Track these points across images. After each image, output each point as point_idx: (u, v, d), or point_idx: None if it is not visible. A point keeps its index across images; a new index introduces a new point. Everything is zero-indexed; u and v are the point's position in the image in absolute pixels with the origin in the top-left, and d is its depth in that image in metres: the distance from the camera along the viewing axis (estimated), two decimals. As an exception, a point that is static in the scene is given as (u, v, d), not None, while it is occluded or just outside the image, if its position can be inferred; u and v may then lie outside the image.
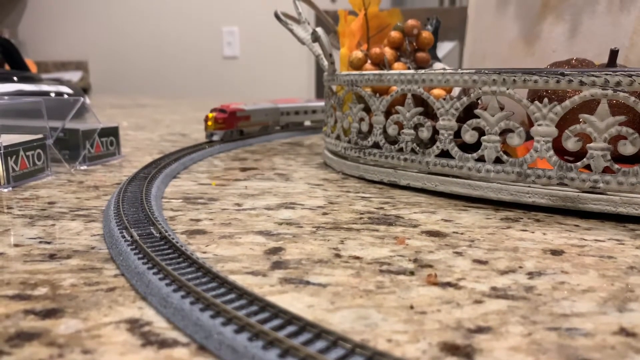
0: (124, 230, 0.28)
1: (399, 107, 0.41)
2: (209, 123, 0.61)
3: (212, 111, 0.62)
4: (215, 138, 0.62)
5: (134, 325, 0.20)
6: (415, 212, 0.35)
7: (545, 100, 0.33)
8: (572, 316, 0.20)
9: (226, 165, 0.52)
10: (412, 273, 0.25)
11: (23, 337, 0.19)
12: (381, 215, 0.34)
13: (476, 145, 0.37)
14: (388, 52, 0.47)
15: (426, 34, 0.48)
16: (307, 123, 0.80)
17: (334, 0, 2.49)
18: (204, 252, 0.27)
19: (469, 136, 0.37)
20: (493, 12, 0.54)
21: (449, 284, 0.23)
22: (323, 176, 0.47)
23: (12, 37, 2.61)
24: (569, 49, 0.47)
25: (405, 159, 0.41)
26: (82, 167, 0.50)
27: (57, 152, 0.49)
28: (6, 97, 0.49)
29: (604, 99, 0.32)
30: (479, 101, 0.42)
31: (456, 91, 0.44)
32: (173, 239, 0.26)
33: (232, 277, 0.24)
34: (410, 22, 0.47)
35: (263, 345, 0.17)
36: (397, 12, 0.52)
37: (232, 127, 0.63)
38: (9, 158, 0.41)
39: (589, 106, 0.34)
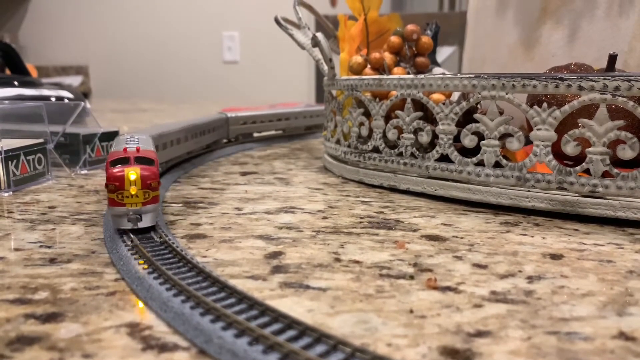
0: (124, 235, 0.28)
1: (398, 112, 0.41)
2: (132, 191, 0.28)
3: (115, 162, 0.29)
4: (144, 224, 0.29)
5: (135, 330, 0.20)
6: (415, 216, 0.35)
7: (545, 104, 0.34)
8: (571, 320, 0.21)
9: (226, 170, 0.52)
10: (411, 277, 0.25)
11: (23, 341, 0.19)
12: (381, 220, 0.34)
13: (476, 150, 0.37)
14: (388, 57, 0.47)
15: (426, 39, 0.48)
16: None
17: (334, 5, 2.50)
18: (204, 257, 0.27)
19: (468, 140, 0.37)
20: (492, 17, 0.54)
21: (448, 288, 0.24)
22: (323, 180, 0.47)
23: (13, 41, 2.62)
24: (568, 53, 0.47)
25: (405, 163, 0.41)
26: (82, 172, 0.50)
27: (57, 156, 0.49)
28: (7, 102, 0.49)
29: (603, 104, 0.32)
30: (479, 106, 0.42)
31: (455, 96, 0.44)
32: (173, 243, 0.26)
33: (232, 282, 0.24)
34: (410, 27, 0.47)
35: (263, 350, 0.17)
36: (397, 17, 0.52)
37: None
38: (9, 162, 0.41)
39: (588, 111, 0.34)
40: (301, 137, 0.77)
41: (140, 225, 0.28)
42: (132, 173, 0.28)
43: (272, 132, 0.74)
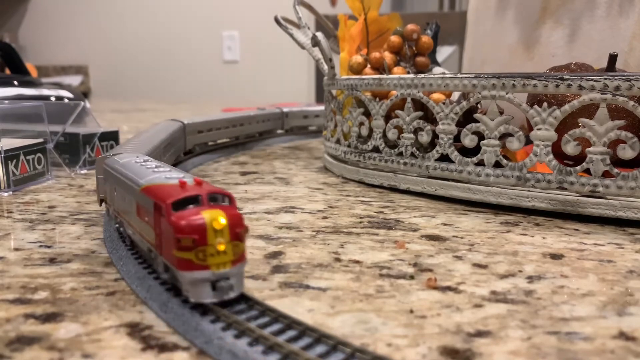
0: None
1: (398, 112, 0.41)
2: (219, 246, 0.19)
3: (180, 204, 0.20)
4: (233, 293, 0.20)
5: (134, 330, 0.20)
6: (415, 216, 0.35)
7: (545, 104, 0.34)
8: (571, 320, 0.21)
9: (226, 169, 0.52)
10: (412, 277, 0.25)
11: (23, 341, 0.19)
12: (381, 219, 0.34)
13: (476, 150, 0.37)
14: (388, 56, 0.47)
15: (426, 39, 0.48)
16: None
17: (334, 5, 2.49)
18: (204, 256, 0.27)
19: (468, 140, 0.37)
20: (492, 17, 0.54)
21: (448, 288, 0.23)
22: (323, 180, 0.47)
23: (13, 41, 2.62)
24: (568, 53, 0.47)
25: (405, 163, 0.41)
26: (82, 171, 0.50)
27: (57, 156, 0.49)
28: (7, 102, 0.49)
29: (603, 103, 0.32)
30: (479, 105, 0.42)
31: (456, 95, 0.44)
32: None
33: (232, 281, 0.24)
34: (410, 26, 0.47)
35: (263, 350, 0.17)
36: (397, 16, 0.52)
37: None
38: (9, 162, 0.41)
39: (588, 110, 0.34)
40: (301, 137, 0.77)
41: (232, 295, 0.20)
42: (218, 219, 0.19)
43: (226, 140, 0.64)
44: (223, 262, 0.19)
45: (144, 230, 0.22)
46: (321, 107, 0.79)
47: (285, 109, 0.75)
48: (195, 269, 0.19)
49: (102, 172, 0.30)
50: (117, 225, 0.29)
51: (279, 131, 0.75)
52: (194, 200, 0.20)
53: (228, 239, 0.19)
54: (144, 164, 0.26)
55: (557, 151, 0.34)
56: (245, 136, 0.68)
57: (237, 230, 0.20)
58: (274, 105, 0.80)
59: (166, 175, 0.23)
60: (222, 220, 0.19)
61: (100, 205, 0.32)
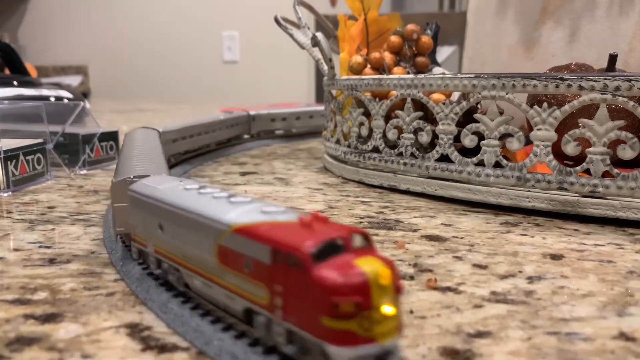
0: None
1: (398, 112, 0.41)
2: (384, 310, 0.15)
3: (321, 254, 0.15)
4: None
5: (134, 330, 0.20)
6: (415, 217, 0.35)
7: (545, 104, 0.34)
8: (571, 320, 0.20)
9: (226, 170, 0.52)
10: (411, 277, 0.25)
11: (23, 342, 0.19)
12: (381, 220, 0.34)
13: (476, 150, 0.37)
14: (388, 56, 0.47)
15: (426, 39, 0.48)
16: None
17: (334, 5, 2.49)
18: (204, 257, 0.27)
19: (468, 140, 0.37)
20: (492, 17, 0.54)
21: (448, 289, 0.23)
22: (323, 180, 0.47)
23: (12, 41, 2.62)
24: (568, 53, 0.47)
25: (405, 163, 0.41)
26: (81, 172, 0.50)
27: (57, 156, 0.49)
28: (6, 102, 0.49)
29: (603, 104, 0.32)
30: (479, 106, 0.42)
31: (456, 96, 0.44)
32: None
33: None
34: (410, 26, 0.47)
35: (263, 351, 0.17)
36: (397, 16, 0.52)
37: None
38: (9, 162, 0.41)
39: (588, 111, 0.34)
40: (301, 137, 0.76)
41: None
42: (381, 272, 0.15)
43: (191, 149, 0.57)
44: (389, 330, 0.15)
45: (240, 284, 0.17)
46: (288, 109, 0.75)
47: (252, 112, 0.69)
48: (358, 343, 0.14)
49: (125, 199, 0.24)
50: (159, 271, 0.22)
51: (246, 136, 0.69)
52: (338, 247, 0.15)
53: (392, 298, 0.15)
54: (203, 192, 0.20)
55: (557, 151, 0.34)
56: (216, 144, 0.62)
57: (398, 284, 0.15)
58: (273, 106, 0.79)
59: (262, 209, 0.18)
60: (386, 275, 0.14)
61: (117, 239, 0.27)
